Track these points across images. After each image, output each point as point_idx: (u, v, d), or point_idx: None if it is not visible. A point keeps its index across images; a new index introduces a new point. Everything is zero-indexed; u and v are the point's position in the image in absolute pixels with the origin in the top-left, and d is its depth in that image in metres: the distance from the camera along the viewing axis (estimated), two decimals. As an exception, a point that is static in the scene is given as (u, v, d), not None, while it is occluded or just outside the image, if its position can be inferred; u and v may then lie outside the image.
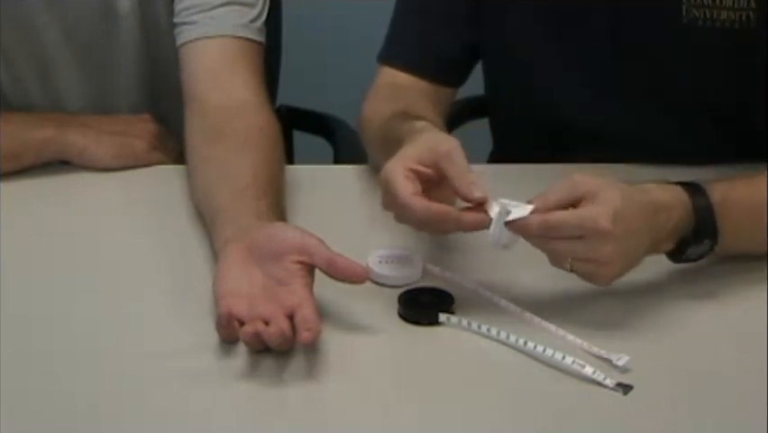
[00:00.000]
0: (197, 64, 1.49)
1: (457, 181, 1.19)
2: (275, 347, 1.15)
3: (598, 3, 1.45)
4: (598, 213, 1.16)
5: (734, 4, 1.40)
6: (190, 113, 1.47)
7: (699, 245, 1.23)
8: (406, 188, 1.19)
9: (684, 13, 1.42)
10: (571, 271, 1.19)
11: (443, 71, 1.54)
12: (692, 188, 1.23)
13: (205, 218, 1.34)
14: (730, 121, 1.48)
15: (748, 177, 1.28)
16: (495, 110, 1.69)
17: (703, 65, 1.45)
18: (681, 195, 1.22)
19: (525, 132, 1.60)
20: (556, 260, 1.19)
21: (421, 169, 1.21)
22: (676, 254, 1.24)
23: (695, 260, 1.25)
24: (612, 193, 1.17)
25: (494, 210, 1.19)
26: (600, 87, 1.49)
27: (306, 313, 1.14)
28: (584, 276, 1.19)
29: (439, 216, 1.19)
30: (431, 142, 1.24)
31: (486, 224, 1.19)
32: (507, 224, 1.18)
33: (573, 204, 1.17)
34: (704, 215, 1.22)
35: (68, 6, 1.54)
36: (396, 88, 1.52)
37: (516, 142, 1.63)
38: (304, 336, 1.13)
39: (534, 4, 1.48)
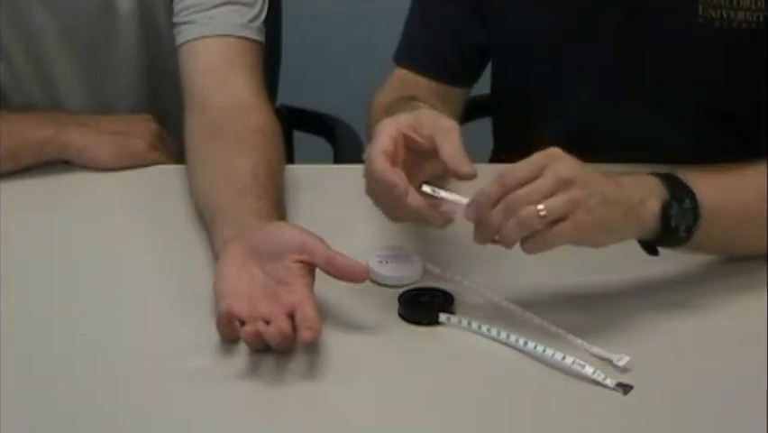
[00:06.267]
0: (197, 64, 1.49)
1: (448, 154, 1.19)
2: (275, 346, 1.15)
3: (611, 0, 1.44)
4: (554, 168, 1.15)
5: (751, 4, 1.39)
6: (190, 112, 1.47)
7: (680, 205, 1.20)
8: (383, 144, 1.19)
9: (701, 13, 1.40)
10: (545, 242, 1.14)
11: (453, 72, 1.54)
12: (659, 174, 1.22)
13: (206, 218, 1.34)
14: (741, 121, 1.46)
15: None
16: (498, 109, 1.69)
17: (717, 65, 1.43)
18: (645, 174, 1.22)
19: (527, 132, 1.60)
20: (525, 225, 1.13)
21: (414, 136, 1.21)
22: (664, 221, 1.19)
23: (685, 236, 1.21)
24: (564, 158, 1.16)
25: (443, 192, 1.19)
26: (610, 87, 1.48)
27: (306, 312, 1.15)
28: (562, 234, 1.14)
29: (388, 183, 1.18)
30: (433, 116, 1.24)
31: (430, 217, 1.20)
32: (469, 205, 1.17)
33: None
34: (675, 179, 1.21)
35: (66, 6, 1.54)
36: (408, 83, 1.53)
37: (517, 142, 1.63)
38: (304, 334, 1.13)
39: (546, 1, 1.48)
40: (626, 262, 1.25)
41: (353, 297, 1.24)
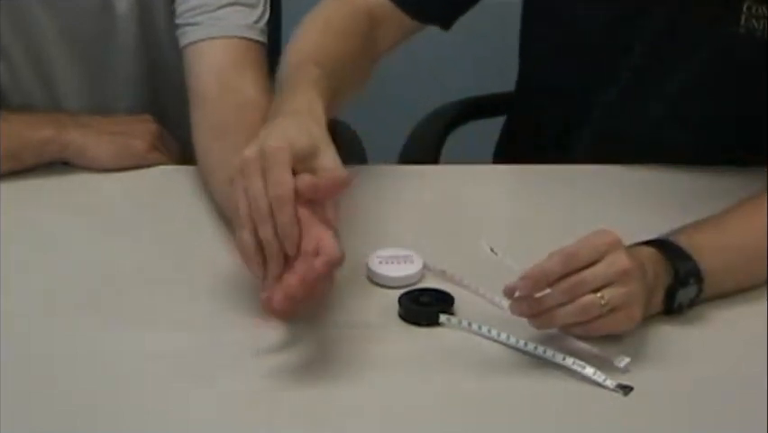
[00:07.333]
0: (203, 65, 1.49)
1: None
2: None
3: (659, 3, 1.44)
4: (615, 256, 1.14)
5: None
6: (198, 113, 1.47)
7: (686, 287, 1.20)
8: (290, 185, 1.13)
9: (743, 22, 1.40)
10: (595, 329, 1.15)
11: (424, 7, 1.50)
12: (656, 242, 1.22)
13: (228, 213, 1.33)
14: (754, 124, 1.46)
15: (715, 218, 1.27)
16: (520, 108, 1.68)
17: (750, 73, 1.43)
18: (648, 249, 1.21)
19: (549, 131, 1.59)
20: (585, 312, 1.13)
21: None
22: (668, 303, 1.21)
23: (689, 306, 1.22)
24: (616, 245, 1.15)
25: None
26: (637, 89, 1.48)
27: (325, 244, 1.12)
28: (613, 324, 1.15)
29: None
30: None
31: None
32: (523, 278, 1.13)
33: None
34: (677, 251, 1.20)
35: (66, 6, 1.54)
36: (359, 10, 1.49)
37: (532, 143, 1.62)
38: (318, 262, 1.10)
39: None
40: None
41: (353, 297, 1.24)
